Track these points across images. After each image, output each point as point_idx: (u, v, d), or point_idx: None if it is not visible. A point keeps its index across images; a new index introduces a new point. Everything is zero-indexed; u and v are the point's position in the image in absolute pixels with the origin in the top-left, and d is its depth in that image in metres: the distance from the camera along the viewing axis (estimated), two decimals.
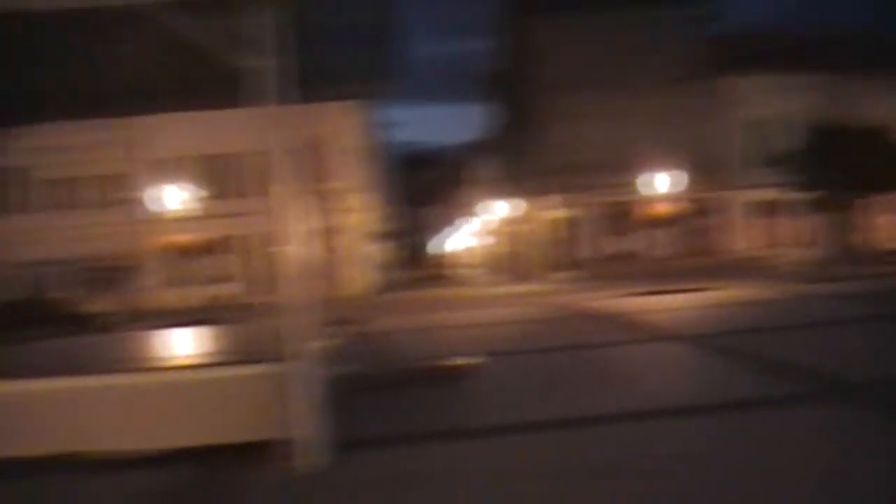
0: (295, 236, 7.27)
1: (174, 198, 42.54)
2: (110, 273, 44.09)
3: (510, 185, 55.96)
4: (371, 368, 10.95)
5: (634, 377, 11.44)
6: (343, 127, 44.40)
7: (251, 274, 42.56)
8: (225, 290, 42.83)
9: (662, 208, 37.52)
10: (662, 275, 29.67)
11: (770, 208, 46.53)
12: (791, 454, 6.77)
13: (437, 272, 75.48)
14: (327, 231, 41.55)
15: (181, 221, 43.46)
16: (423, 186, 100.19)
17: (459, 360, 11.23)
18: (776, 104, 46.10)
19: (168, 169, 43.58)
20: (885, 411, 8.18)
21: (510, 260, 58.71)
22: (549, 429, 8.24)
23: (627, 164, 40.16)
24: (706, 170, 44.29)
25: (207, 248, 44.84)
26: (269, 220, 7.40)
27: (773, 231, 47.06)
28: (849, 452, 6.68)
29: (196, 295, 42.12)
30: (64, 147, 41.79)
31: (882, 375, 9.94)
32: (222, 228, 43.90)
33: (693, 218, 45.28)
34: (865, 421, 7.82)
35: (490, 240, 71.70)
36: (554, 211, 46.59)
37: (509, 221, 57.25)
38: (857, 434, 7.30)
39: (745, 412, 8.49)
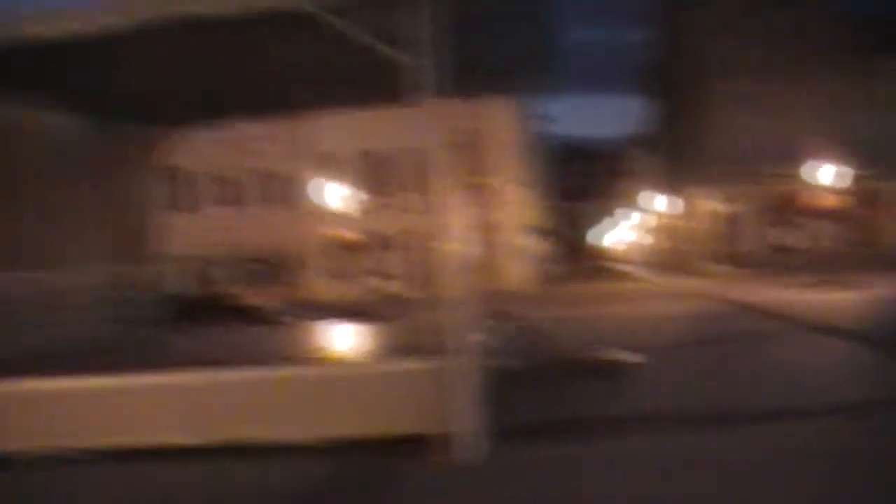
0: (454, 231, 7.31)
1: (336, 194, 43.33)
2: (274, 267, 45.31)
3: (669, 177, 55.03)
4: (529, 362, 10.92)
5: (796, 373, 11.11)
6: (500, 121, 44.43)
7: (411, 269, 43.03)
8: (385, 285, 43.47)
9: (827, 199, 36.17)
10: (827, 268, 28.63)
11: None
12: None
13: (595, 266, 74.81)
14: (485, 226, 41.70)
15: (343, 217, 44.26)
16: (581, 180, 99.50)
17: (618, 355, 11.11)
18: None
19: (330, 165, 44.44)
20: None
21: (669, 254, 57.73)
22: (708, 423, 8.08)
23: (790, 153, 38.86)
24: (871, 158, 42.52)
25: (368, 244, 45.57)
26: (428, 216, 7.45)
27: None
28: None
29: (356, 289, 42.86)
30: (230, 144, 43.14)
31: None
32: (382, 224, 44.52)
33: (859, 209, 43.54)
34: None
35: (649, 233, 70.70)
36: (714, 203, 45.56)
37: (668, 215, 56.30)
38: None
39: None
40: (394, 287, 42.59)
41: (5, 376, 8.40)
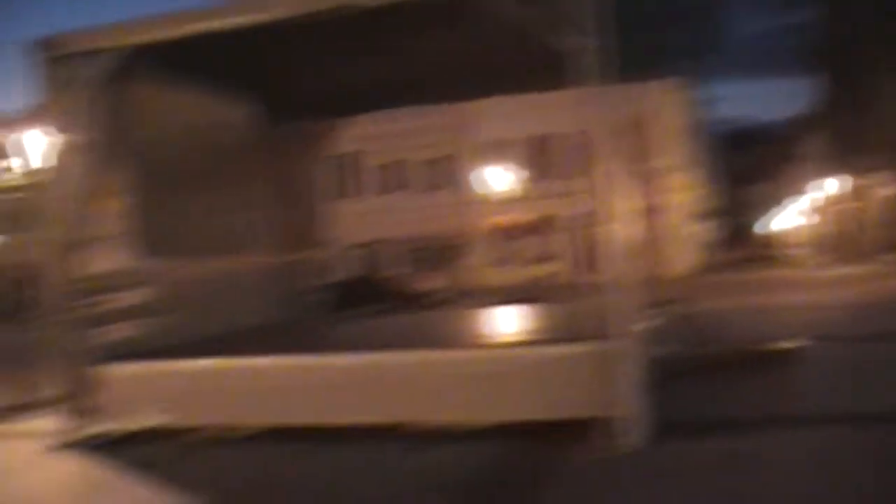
0: (619, 216, 7.26)
1: (499, 179, 43.51)
2: (438, 253, 45.84)
3: (838, 161, 53.08)
4: (693, 350, 10.75)
5: None
6: (665, 105, 43.75)
7: (575, 253, 42.85)
8: (549, 270, 43.44)
9: None
10: None
11: None
12: None
13: (761, 252, 72.85)
14: (650, 210, 41.15)
15: (506, 202, 44.43)
16: (747, 164, 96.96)
17: (783, 345, 10.81)
18: None
19: (493, 151, 44.62)
20: None
21: (839, 240, 55.76)
22: (874, 421, 7.78)
23: None
24: None
25: (532, 228, 45.58)
26: (592, 200, 7.42)
27: None
28: None
29: (520, 274, 42.95)
30: (394, 133, 43.83)
31: None
32: (546, 208, 44.45)
33: None
34: None
35: (817, 219, 68.38)
36: (886, 188, 43.75)
37: (837, 200, 54.32)
38: None
39: None
40: (558, 271, 42.52)
41: (191, 356, 8.82)
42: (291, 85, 11.57)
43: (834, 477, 6.07)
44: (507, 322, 11.75)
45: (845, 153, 49.63)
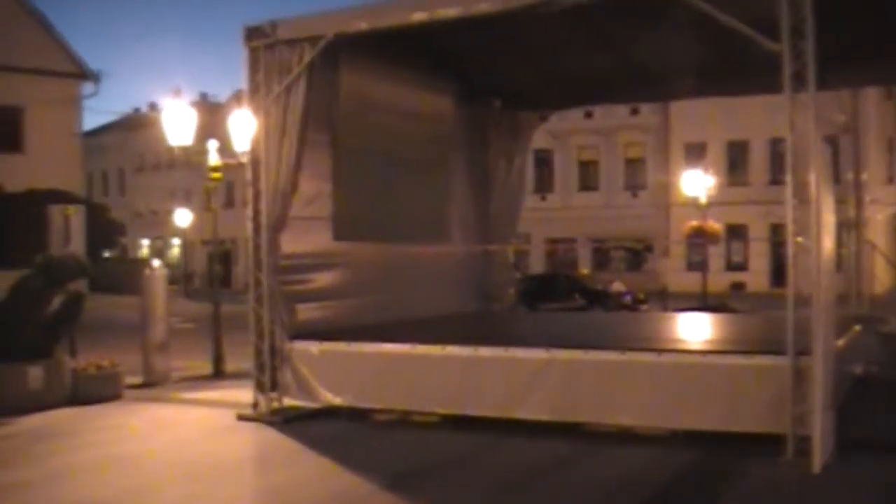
0: (820, 227, 7.00)
1: (694, 183, 42.62)
2: (634, 255, 45.42)
3: None
4: (886, 372, 10.26)
5: None
6: (875, 114, 41.94)
7: (772, 263, 41.63)
8: (744, 278, 42.40)
9: None
10: None
11: None
12: None
13: None
14: (854, 224, 39.55)
15: (700, 207, 43.50)
16: None
17: None
18: None
19: (689, 154, 43.76)
20: None
21: None
22: None
23: None
24: None
25: (728, 235, 44.53)
26: (794, 210, 7.17)
27: None
28: None
29: (715, 280, 42.04)
30: (594, 130, 43.62)
31: None
32: (745, 215, 43.31)
33: None
34: None
35: None
36: None
37: None
38: None
39: None
40: (754, 280, 41.44)
41: (381, 340, 9.04)
42: (495, 76, 11.69)
43: None
44: (696, 329, 11.53)
45: None
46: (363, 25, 8.83)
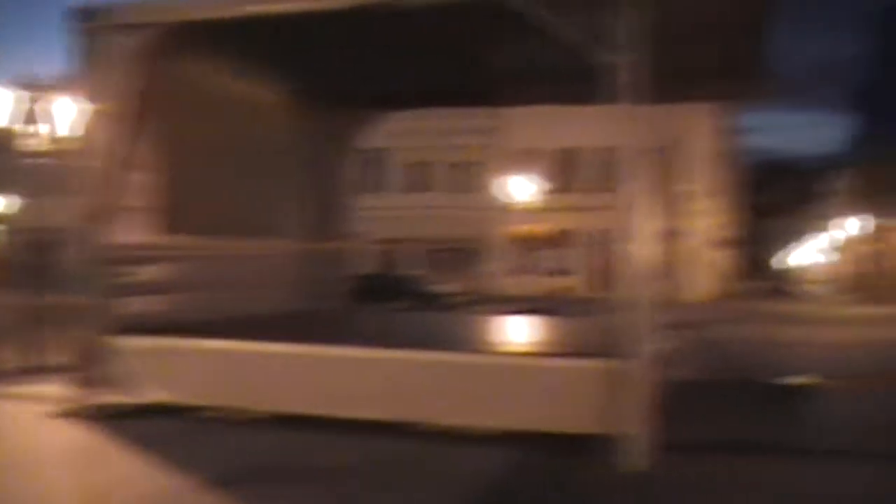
0: (641, 235, 7.26)
1: (523, 188, 43.43)
2: (458, 256, 45.85)
3: (869, 201, 52.81)
4: (708, 375, 10.74)
5: None
6: (699, 128, 43.59)
7: (592, 268, 42.77)
8: (564, 283, 43.41)
9: None
10: None
11: None
12: None
13: (779, 286, 72.50)
14: (672, 233, 41.00)
15: (528, 212, 44.35)
16: (775, 196, 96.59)
17: (796, 379, 10.78)
18: None
19: (519, 159, 44.55)
20: None
21: (858, 280, 55.50)
22: (884, 459, 7.76)
23: None
24: None
25: (551, 240, 45.55)
26: (614, 217, 7.42)
27: None
28: None
29: (539, 284, 42.97)
30: (424, 132, 43.84)
31: None
32: (570, 221, 44.39)
33: None
34: None
35: (839, 257, 68.10)
36: None
37: (861, 240, 54.05)
38: None
39: None
40: (577, 285, 42.49)
41: (207, 336, 8.88)
42: (328, 75, 11.63)
43: None
44: (520, 331, 11.75)
45: (871, 194, 49.39)
46: (198, 15, 8.67)
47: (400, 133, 42.18)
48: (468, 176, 46.90)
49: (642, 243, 7.25)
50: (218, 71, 10.68)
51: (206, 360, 8.74)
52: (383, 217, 43.09)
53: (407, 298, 26.16)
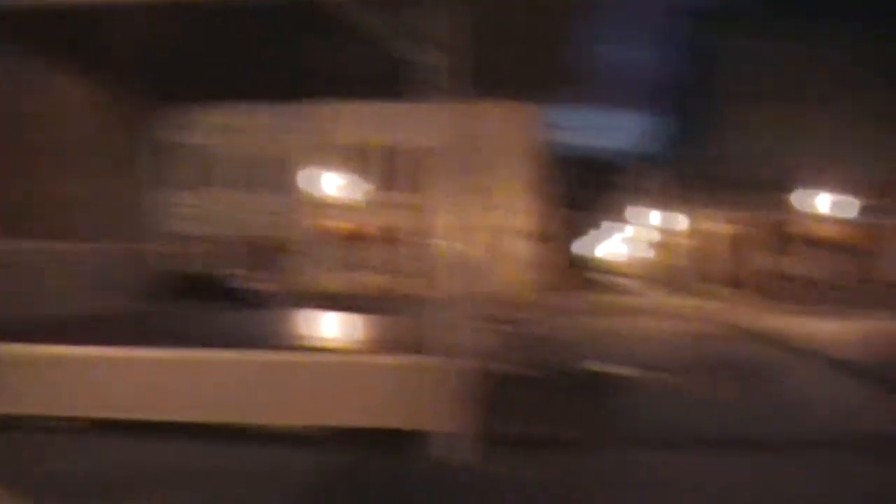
0: (452, 231, 7.34)
1: (338, 185, 43.33)
2: (275, 254, 45.33)
3: (672, 195, 55.05)
4: (521, 369, 10.93)
5: (798, 404, 11.14)
6: (508, 126, 44.41)
7: (406, 265, 43.03)
8: (380, 280, 43.51)
9: (831, 230, 36.16)
10: (828, 299, 28.66)
11: None
12: None
13: (591, 278, 74.71)
14: (483, 228, 41.66)
15: (343, 209, 44.25)
16: (586, 191, 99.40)
17: (612, 369, 11.11)
18: None
19: (336, 156, 44.42)
20: None
21: (666, 271, 57.79)
22: (696, 447, 8.12)
23: (800, 181, 38.88)
24: (882, 193, 42.67)
25: (368, 238, 45.59)
26: (427, 214, 7.49)
27: None
28: None
29: (352, 281, 42.93)
30: (240, 128, 43.17)
31: None
32: (381, 218, 44.53)
33: (862, 243, 43.66)
34: None
35: (649, 249, 70.75)
36: (715, 224, 45.64)
37: (668, 232, 56.33)
38: None
39: None
40: (391, 282, 42.64)
41: (13, 340, 8.47)
42: (140, 69, 11.32)
43: (644, 499, 6.29)
44: (336, 329, 11.73)
45: (681, 187, 51.47)
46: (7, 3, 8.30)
47: (218, 129, 41.47)
48: (288, 173, 46.42)
49: (456, 239, 7.34)
50: (19, 65, 10.23)
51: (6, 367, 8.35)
52: (205, 215, 42.22)
53: (226, 297, 25.67)
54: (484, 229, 41.45)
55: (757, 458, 7.74)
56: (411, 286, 37.83)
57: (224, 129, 41.70)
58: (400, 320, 12.10)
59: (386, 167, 45.13)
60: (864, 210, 38.87)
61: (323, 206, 44.19)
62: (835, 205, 32.55)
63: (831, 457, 7.85)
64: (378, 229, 45.08)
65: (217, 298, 23.29)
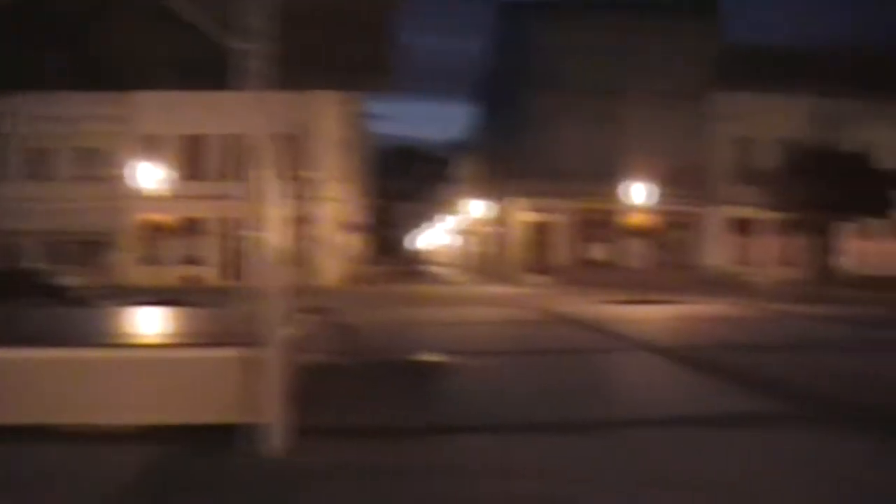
0: (271, 222, 7.26)
1: (155, 176, 42.30)
2: (86, 248, 43.84)
3: (490, 185, 55.97)
4: (341, 359, 10.93)
5: (610, 385, 11.51)
6: (327, 116, 44.24)
7: (226, 257, 42.39)
8: (199, 272, 42.71)
9: (641, 219, 37.51)
10: (636, 285, 29.78)
11: (749, 226, 46.67)
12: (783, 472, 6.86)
13: (411, 268, 75.32)
14: (304, 219, 41.38)
15: (160, 200, 43.23)
16: (405, 181, 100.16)
17: (429, 357, 11.22)
18: (765, 123, 46.22)
19: (152, 146, 43.33)
20: (865, 433, 8.28)
21: (485, 260, 58.75)
22: (517, 431, 8.29)
23: (610, 171, 40.09)
24: (689, 184, 44.51)
25: (184, 229, 44.64)
26: (246, 204, 7.38)
27: (750, 249, 47.19)
28: (837, 474, 6.76)
29: (170, 274, 41.99)
30: (51, 117, 41.52)
31: (857, 397, 10.10)
32: (200, 209, 43.70)
33: (671, 231, 45.44)
34: (847, 441, 7.89)
35: (467, 239, 71.78)
36: (531, 214, 46.67)
37: (486, 222, 57.28)
38: (844, 455, 7.38)
39: (725, 427, 8.61)
40: (208, 274, 41.92)
41: None
42: None
43: (469, 482, 6.37)
44: (151, 323, 11.43)
45: (498, 177, 52.36)
46: None
47: (23, 119, 39.76)
48: (96, 163, 44.89)
49: (273, 231, 7.26)
50: None
51: None
52: (8, 207, 40.42)
53: (31, 293, 24.66)
54: (302, 220, 41.18)
55: (566, 438, 7.97)
56: (228, 278, 37.31)
57: (28, 118, 40.05)
58: (217, 313, 11.92)
59: (202, 157, 44.24)
60: (672, 199, 40.49)
61: (138, 198, 43.03)
62: (646, 194, 33.70)
63: (640, 435, 8.18)
64: (193, 220, 44.19)
65: (26, 294, 22.37)
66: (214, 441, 7.13)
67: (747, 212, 44.49)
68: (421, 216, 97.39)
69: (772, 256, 46.75)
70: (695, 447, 7.68)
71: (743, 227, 46.97)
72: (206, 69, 9.17)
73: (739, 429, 8.49)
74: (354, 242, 51.14)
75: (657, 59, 45.02)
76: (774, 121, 46.16)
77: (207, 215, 43.53)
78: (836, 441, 7.92)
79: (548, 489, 6.28)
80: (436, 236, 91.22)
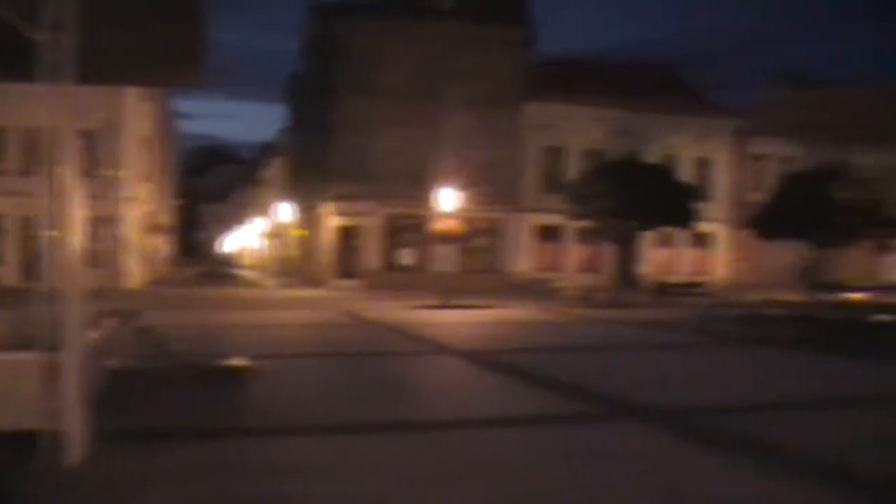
0: (72, 221, 7.00)
1: None
2: None
3: (300, 188, 55.63)
4: (144, 363, 10.67)
5: (413, 387, 11.61)
6: (134, 113, 43.06)
7: (23, 257, 40.61)
8: None
9: (449, 225, 37.99)
10: (444, 290, 30.14)
11: (555, 233, 47.92)
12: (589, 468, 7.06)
13: (218, 270, 74.07)
14: (107, 219, 40.09)
15: None
16: (213, 182, 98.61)
17: (234, 361, 11.09)
18: (573, 133, 47.76)
19: None
20: (671, 431, 8.65)
21: (293, 263, 58.37)
22: (318, 433, 8.30)
23: (419, 177, 40.44)
24: (498, 191, 45.42)
25: None
26: (47, 202, 7.08)
27: (556, 255, 48.47)
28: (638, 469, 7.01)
29: None
30: None
31: (658, 398, 10.52)
32: None
33: (479, 237, 46.26)
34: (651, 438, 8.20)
35: (274, 242, 71.17)
36: (340, 218, 46.59)
37: (294, 225, 56.91)
38: (649, 452, 7.66)
39: (532, 426, 8.85)
40: (6, 274, 40.10)
41: None
42: None
43: (268, 481, 6.32)
44: None
45: (308, 181, 52.10)
46: None
47: None
48: None
49: (72, 230, 6.99)
50: None
51: None
52: None
53: None
54: (105, 220, 39.87)
55: (375, 438, 8.03)
56: (24, 279, 35.78)
57: None
58: (11, 315, 11.41)
59: (1, 151, 42.24)
60: (481, 205, 41.27)
61: None
62: (455, 199, 34.10)
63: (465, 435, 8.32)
64: None
65: None
66: (18, 448, 6.82)
67: (554, 219, 45.63)
68: (230, 218, 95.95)
69: (576, 263, 48.24)
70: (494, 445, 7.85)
71: (549, 233, 48.18)
72: (7, 60, 8.77)
73: (533, 427, 8.74)
74: (160, 244, 49.93)
75: (470, 67, 45.75)
76: (582, 131, 47.73)
77: (6, 212, 41.51)
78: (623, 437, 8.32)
79: (358, 488, 6.30)
80: (245, 239, 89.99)
